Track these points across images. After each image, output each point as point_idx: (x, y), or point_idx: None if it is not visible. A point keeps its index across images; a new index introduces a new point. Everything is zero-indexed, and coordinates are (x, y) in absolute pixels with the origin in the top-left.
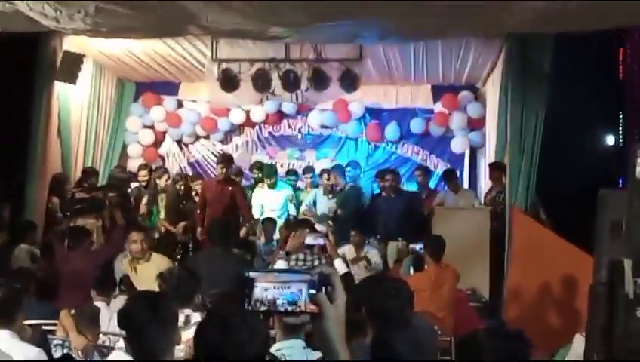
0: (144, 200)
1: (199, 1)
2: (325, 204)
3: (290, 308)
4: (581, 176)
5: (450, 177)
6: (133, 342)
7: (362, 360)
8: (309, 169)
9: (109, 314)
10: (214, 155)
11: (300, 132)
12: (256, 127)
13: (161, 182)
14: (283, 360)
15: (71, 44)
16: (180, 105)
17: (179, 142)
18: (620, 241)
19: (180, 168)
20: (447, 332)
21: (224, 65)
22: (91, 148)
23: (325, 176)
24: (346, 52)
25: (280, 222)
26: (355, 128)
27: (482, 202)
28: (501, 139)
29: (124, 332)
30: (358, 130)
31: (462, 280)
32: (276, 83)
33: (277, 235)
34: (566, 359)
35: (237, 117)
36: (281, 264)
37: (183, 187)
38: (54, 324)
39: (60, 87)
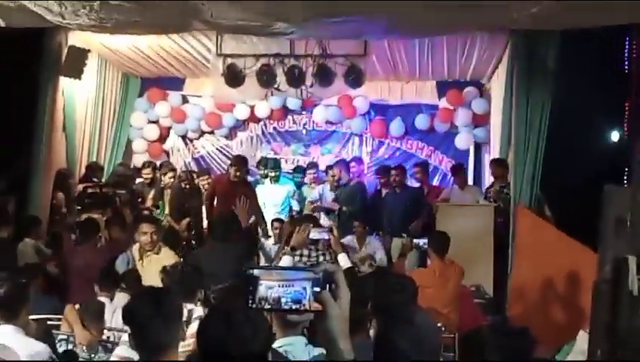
0: (150, 194)
1: None
2: (331, 199)
3: (294, 307)
4: (586, 172)
5: (458, 172)
6: (138, 337)
7: (365, 359)
8: (312, 165)
9: (111, 309)
10: (219, 150)
11: (304, 127)
12: (261, 123)
13: (165, 179)
14: (285, 356)
15: (76, 39)
16: (184, 100)
17: (184, 137)
18: (624, 238)
19: (185, 164)
20: (452, 329)
21: (229, 61)
22: (96, 144)
23: (331, 171)
24: (351, 48)
25: (281, 217)
26: (359, 124)
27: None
28: (506, 135)
29: (128, 328)
30: (362, 125)
31: (466, 276)
32: (281, 78)
33: None
34: (570, 356)
35: (242, 112)
36: (286, 259)
37: (188, 185)
38: (59, 319)
39: (65, 83)
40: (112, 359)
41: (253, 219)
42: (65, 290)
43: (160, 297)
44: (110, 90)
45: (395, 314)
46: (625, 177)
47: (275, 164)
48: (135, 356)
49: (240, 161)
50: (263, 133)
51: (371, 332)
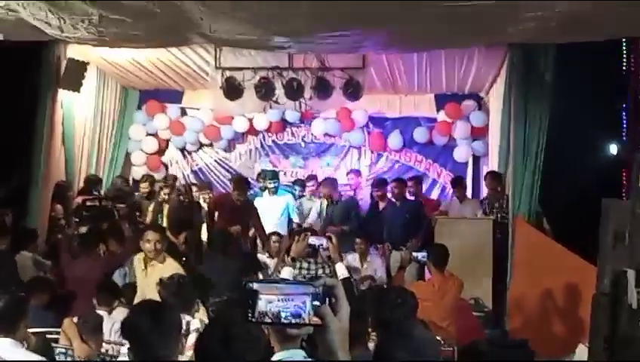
0: (150, 207)
1: (202, 9)
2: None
3: (294, 321)
4: (584, 186)
5: (458, 185)
6: (137, 350)
7: None
8: (311, 177)
9: (110, 323)
10: (218, 163)
11: (303, 140)
12: (260, 135)
13: (161, 195)
14: None
15: (75, 51)
16: (183, 113)
17: (182, 150)
18: (623, 251)
19: (184, 176)
20: (451, 342)
21: (228, 74)
22: (95, 156)
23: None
24: (350, 61)
25: (279, 231)
26: (358, 137)
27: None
28: (504, 148)
29: (126, 341)
30: (361, 138)
31: (465, 289)
32: (280, 91)
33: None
34: None
35: (240, 125)
36: (287, 270)
37: (186, 199)
38: (58, 332)
39: (63, 95)
40: None
41: (252, 232)
42: (63, 303)
43: (158, 311)
44: (109, 103)
45: (396, 328)
46: (623, 190)
47: (274, 175)
48: None
49: (242, 186)
50: (261, 145)
51: (370, 345)
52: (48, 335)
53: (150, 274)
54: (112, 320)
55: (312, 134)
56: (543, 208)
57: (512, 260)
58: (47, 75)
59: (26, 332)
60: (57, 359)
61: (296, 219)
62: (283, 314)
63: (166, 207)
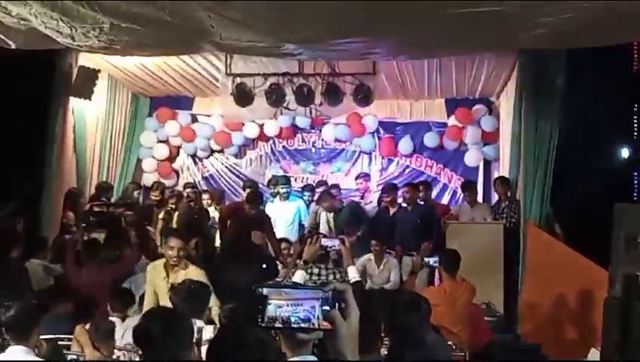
0: (160, 215)
1: (213, 17)
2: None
3: (303, 325)
4: (596, 190)
5: (469, 189)
6: (149, 357)
7: None
8: (322, 183)
9: (122, 330)
10: (228, 169)
11: (313, 146)
12: (270, 141)
13: (169, 204)
14: None
15: (86, 59)
16: (194, 119)
17: (193, 156)
18: (635, 255)
19: (195, 182)
20: (463, 347)
21: (238, 80)
22: (106, 163)
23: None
24: (360, 67)
25: (289, 237)
26: (368, 142)
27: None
28: (515, 153)
29: (138, 348)
30: (371, 144)
31: (476, 293)
32: (290, 97)
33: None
34: None
35: (251, 131)
36: (299, 274)
37: (196, 206)
38: (70, 339)
39: (75, 103)
40: None
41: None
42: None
43: (171, 317)
44: (120, 110)
45: (409, 333)
46: (635, 194)
47: (286, 181)
48: None
49: (255, 200)
50: (272, 151)
51: (382, 350)
52: (60, 342)
53: (172, 281)
54: (125, 328)
55: (322, 140)
56: (554, 212)
57: (523, 265)
58: (58, 83)
59: (38, 339)
60: None
61: (307, 224)
62: (292, 319)
63: (175, 215)
